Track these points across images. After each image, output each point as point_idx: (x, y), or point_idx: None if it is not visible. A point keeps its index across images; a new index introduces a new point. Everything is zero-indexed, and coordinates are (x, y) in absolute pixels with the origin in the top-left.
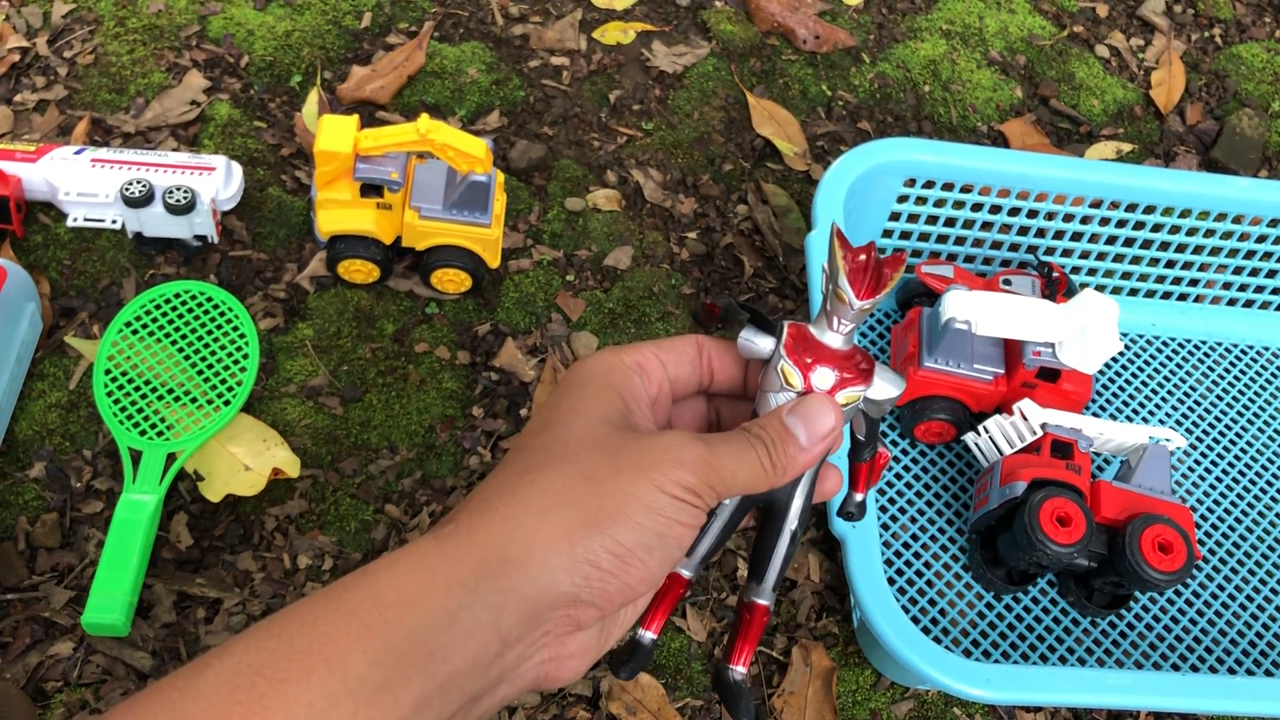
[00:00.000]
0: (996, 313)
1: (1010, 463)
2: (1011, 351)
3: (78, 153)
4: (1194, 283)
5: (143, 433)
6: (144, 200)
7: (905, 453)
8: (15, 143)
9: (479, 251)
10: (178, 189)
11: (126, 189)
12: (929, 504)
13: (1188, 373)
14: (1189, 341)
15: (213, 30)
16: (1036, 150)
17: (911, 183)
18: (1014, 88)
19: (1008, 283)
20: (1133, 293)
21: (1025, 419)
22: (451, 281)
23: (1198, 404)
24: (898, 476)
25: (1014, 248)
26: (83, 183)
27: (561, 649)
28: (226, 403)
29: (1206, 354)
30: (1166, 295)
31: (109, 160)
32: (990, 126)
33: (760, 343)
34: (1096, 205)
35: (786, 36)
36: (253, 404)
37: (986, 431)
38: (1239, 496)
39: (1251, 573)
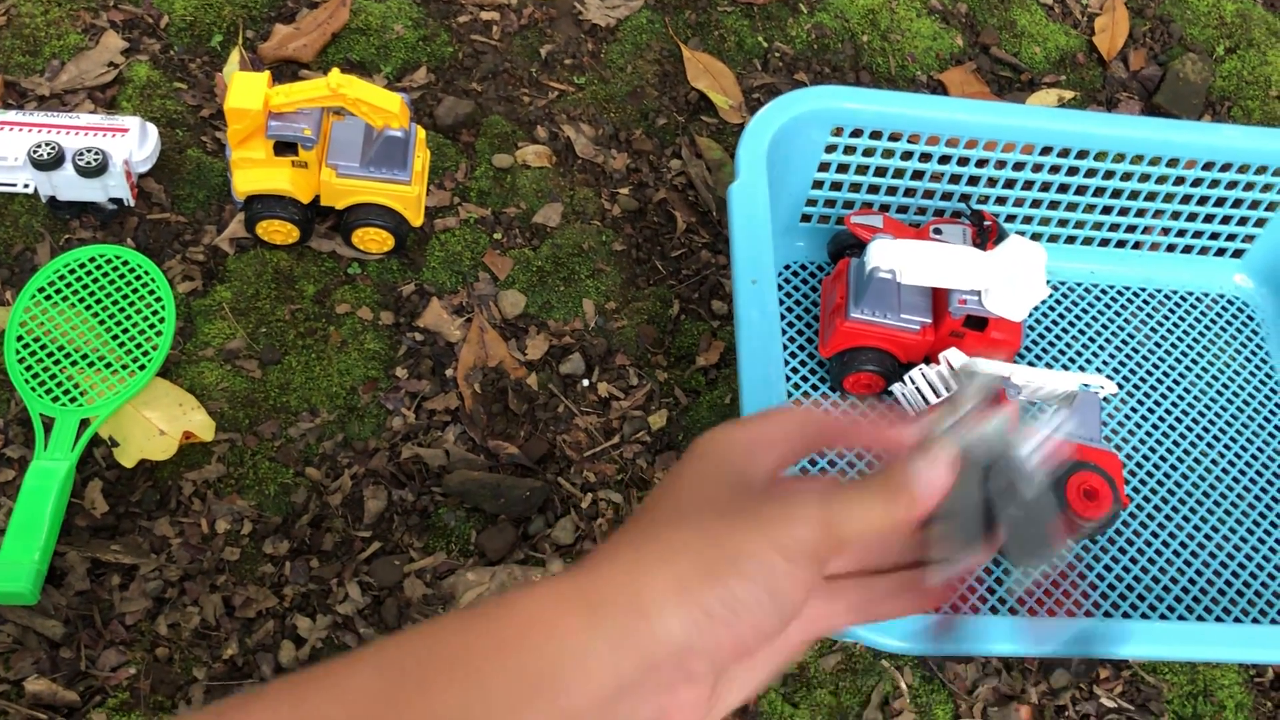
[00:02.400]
0: (921, 261)
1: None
2: (939, 301)
3: None
4: (1131, 229)
5: (55, 399)
6: (53, 163)
7: (835, 405)
8: None
9: (400, 210)
10: (88, 151)
11: (35, 151)
12: (859, 456)
13: (1125, 320)
14: (1127, 289)
15: None
16: (977, 98)
17: (839, 131)
18: (954, 36)
19: (938, 232)
20: (1070, 240)
21: (951, 368)
22: (374, 241)
23: (1135, 351)
24: None
25: (946, 197)
26: None
27: (672, 699)
28: (142, 367)
29: (1145, 301)
30: (1104, 243)
31: (17, 123)
32: (930, 76)
33: None
34: (1029, 151)
35: None
36: (169, 369)
37: (912, 382)
38: (1174, 443)
39: (1185, 519)
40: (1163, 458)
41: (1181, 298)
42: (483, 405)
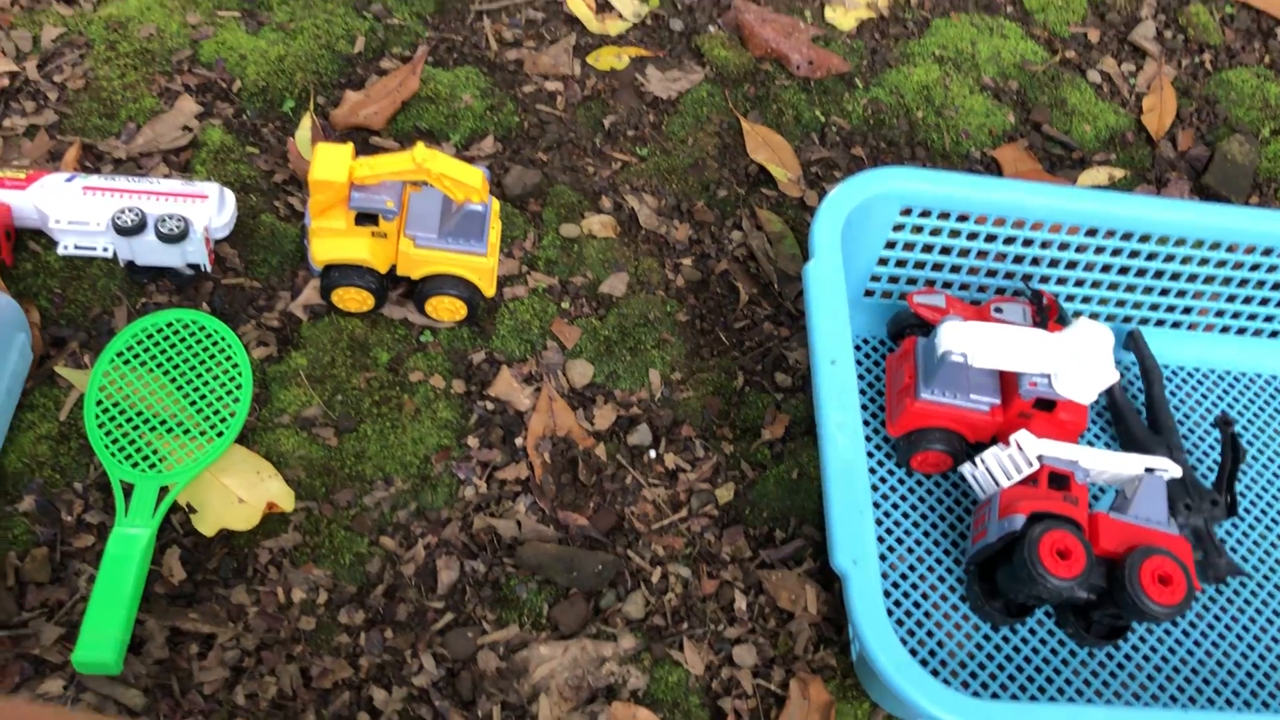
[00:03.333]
0: (992, 344)
1: (1008, 495)
2: (1007, 381)
3: (69, 180)
4: (1187, 310)
5: (135, 465)
6: (136, 229)
7: (902, 482)
8: (5, 169)
9: (475, 280)
10: (170, 217)
11: (118, 217)
12: (925, 534)
13: (1181, 400)
14: (1181, 369)
15: (205, 55)
16: (1029, 176)
17: (908, 211)
18: (1007, 113)
19: (999, 310)
20: (1126, 320)
21: (1021, 451)
22: (447, 310)
23: (1191, 431)
24: (894, 506)
25: (1007, 275)
26: (74, 210)
27: None
28: (220, 434)
29: (1200, 381)
30: (1160, 323)
31: (100, 188)
32: (983, 152)
33: None
34: (1091, 234)
35: (780, 62)
36: (246, 435)
37: (983, 463)
38: (1234, 524)
39: (1247, 603)
40: (1223, 539)
41: (1235, 378)
42: (552, 475)
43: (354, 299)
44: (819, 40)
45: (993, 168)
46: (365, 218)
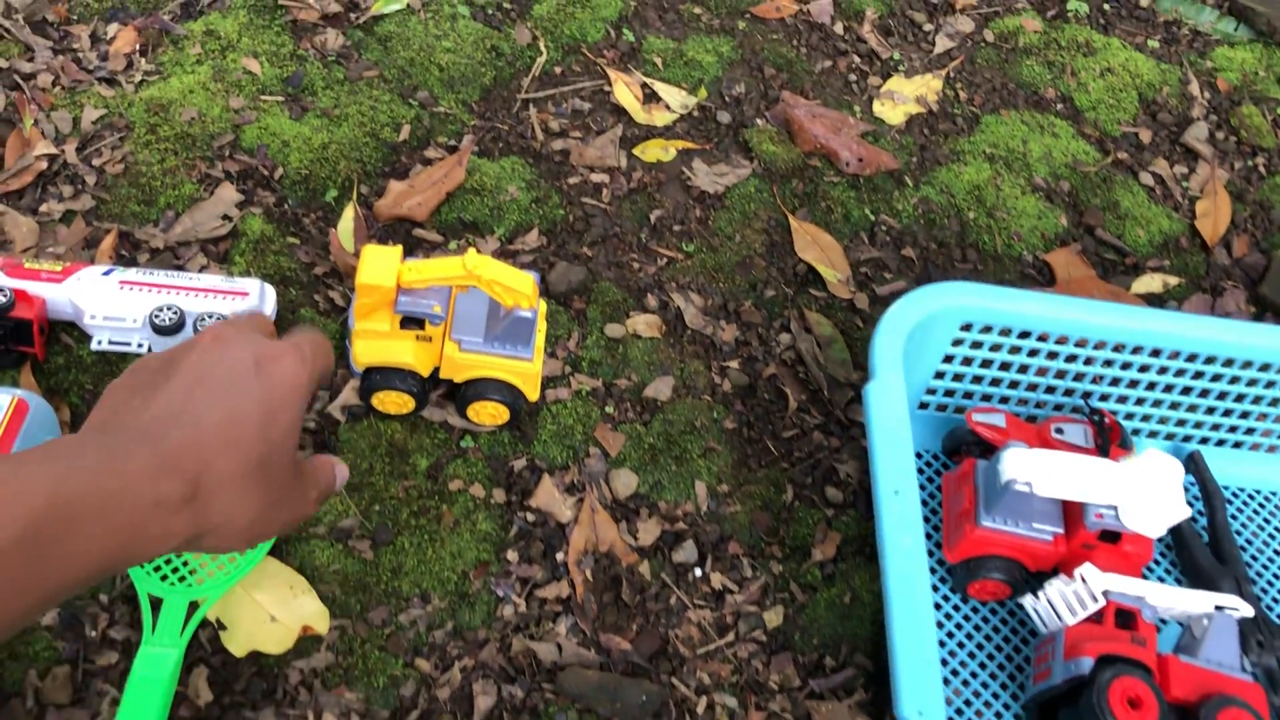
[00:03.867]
0: (1058, 474)
1: (1073, 634)
2: (1071, 510)
3: (106, 273)
4: (1249, 431)
5: (164, 577)
6: (175, 328)
7: (957, 609)
8: (43, 261)
9: (519, 385)
10: (210, 316)
11: (156, 316)
12: (982, 665)
13: (1244, 523)
14: (1243, 491)
15: (246, 140)
16: (1083, 283)
17: (967, 327)
18: (1059, 215)
19: (1060, 431)
20: (1185, 439)
21: (1087, 585)
22: (489, 415)
23: (1255, 558)
24: (949, 635)
25: (1066, 393)
26: (110, 306)
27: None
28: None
29: (1262, 504)
30: (1220, 443)
31: (138, 282)
32: (1035, 256)
33: None
34: (1155, 354)
35: (829, 158)
36: (280, 545)
37: (1046, 597)
38: None
39: None
40: None
41: None
42: (594, 594)
43: (395, 402)
44: (868, 136)
45: (1045, 272)
46: (411, 321)
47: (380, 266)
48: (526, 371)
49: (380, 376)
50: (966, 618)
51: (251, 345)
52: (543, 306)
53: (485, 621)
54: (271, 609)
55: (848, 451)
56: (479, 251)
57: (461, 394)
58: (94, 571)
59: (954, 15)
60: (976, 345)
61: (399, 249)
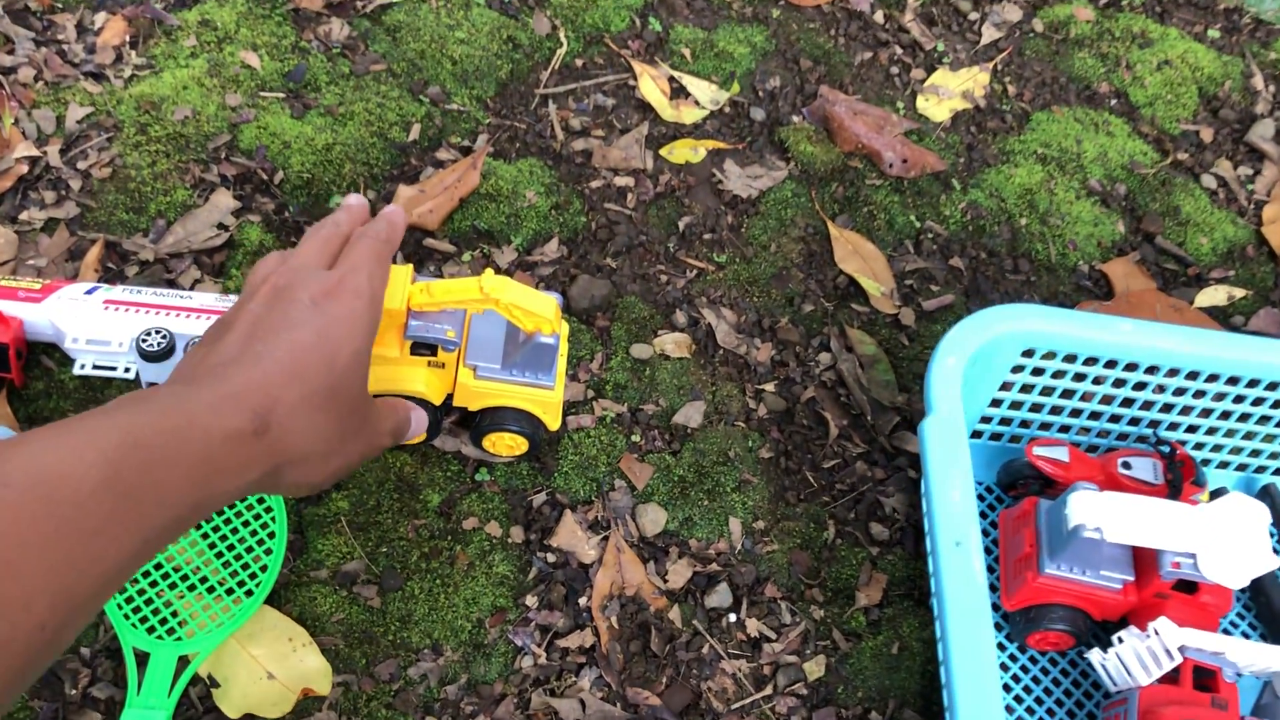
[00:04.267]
0: (1131, 519)
1: (1149, 697)
2: (1143, 558)
3: (89, 292)
4: None
5: (151, 629)
6: (164, 354)
7: (1014, 658)
8: (20, 280)
9: (539, 415)
10: None
11: (144, 340)
12: None
13: None
14: None
15: (244, 141)
16: (1143, 296)
17: (1030, 353)
18: (1116, 221)
19: (1127, 466)
20: (1259, 471)
21: (1161, 641)
22: (506, 446)
23: None
24: (1006, 688)
25: (1132, 422)
26: (94, 328)
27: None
28: (249, 593)
29: None
30: None
31: (124, 302)
32: (1091, 266)
33: None
34: (1233, 382)
35: (871, 159)
36: (279, 592)
37: (1117, 654)
38: None
39: None
40: None
41: None
42: (620, 643)
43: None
44: (912, 135)
45: (1101, 284)
46: (422, 347)
47: (389, 288)
48: (547, 400)
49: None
50: (1024, 669)
51: (307, 285)
52: (565, 328)
53: (502, 674)
54: (269, 665)
55: (894, 483)
56: (495, 264)
57: (477, 423)
58: (186, 509)
59: (1001, 3)
60: (1038, 372)
61: (409, 268)
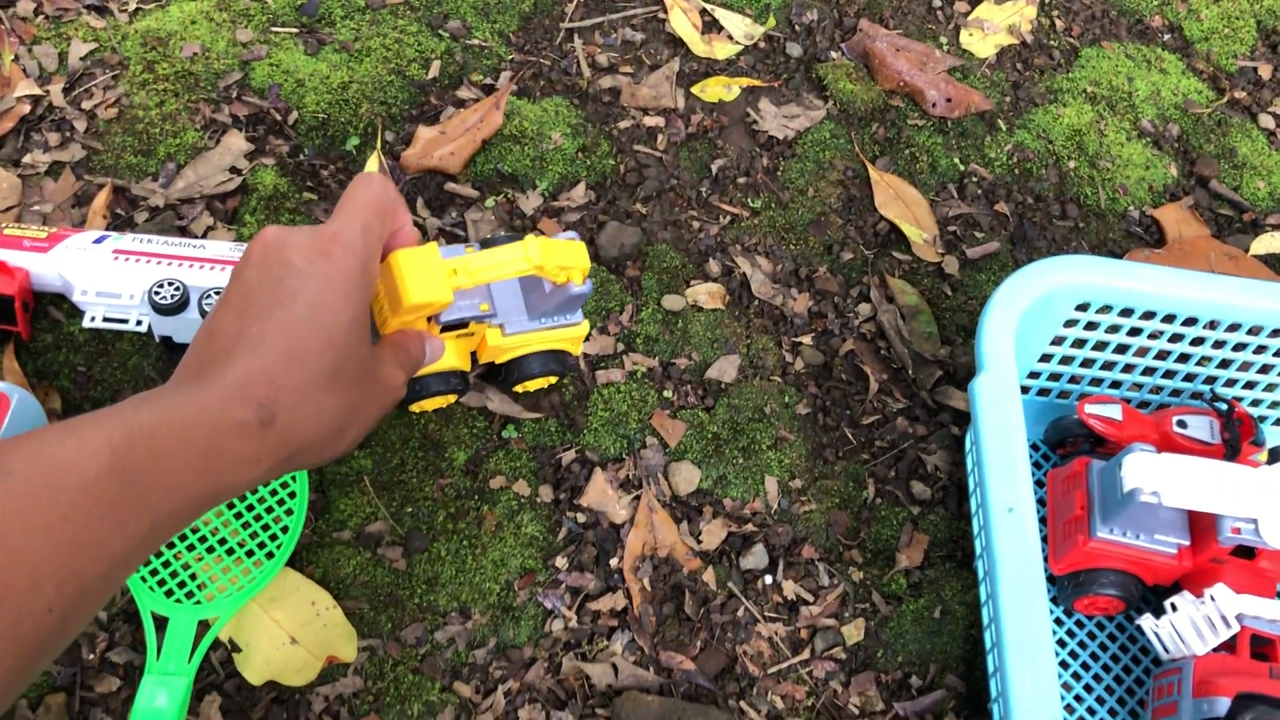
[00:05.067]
0: (1190, 482)
1: (1204, 667)
2: (1200, 521)
3: (97, 241)
4: None
5: (169, 593)
6: (178, 307)
7: (1060, 622)
8: (26, 228)
9: (567, 348)
10: (217, 292)
11: (156, 293)
12: (1088, 688)
13: None
14: None
15: (256, 79)
16: (1196, 244)
17: (1083, 307)
18: (1168, 164)
19: (1182, 425)
20: None
21: (1218, 608)
22: (538, 384)
23: None
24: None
25: (1188, 378)
26: (103, 280)
27: None
28: (270, 555)
29: None
30: None
31: (135, 252)
32: (1142, 212)
33: None
34: (1276, 335)
35: (913, 98)
36: (301, 554)
37: (1170, 621)
38: None
39: None
40: None
41: None
42: (652, 606)
43: (436, 403)
44: (955, 72)
45: (1153, 230)
46: (453, 325)
47: (429, 280)
48: (577, 335)
49: (419, 386)
50: (1071, 633)
51: (296, 242)
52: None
53: (532, 638)
54: (292, 630)
55: (936, 440)
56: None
57: (506, 374)
58: (194, 498)
59: None
60: (1091, 326)
61: (433, 246)
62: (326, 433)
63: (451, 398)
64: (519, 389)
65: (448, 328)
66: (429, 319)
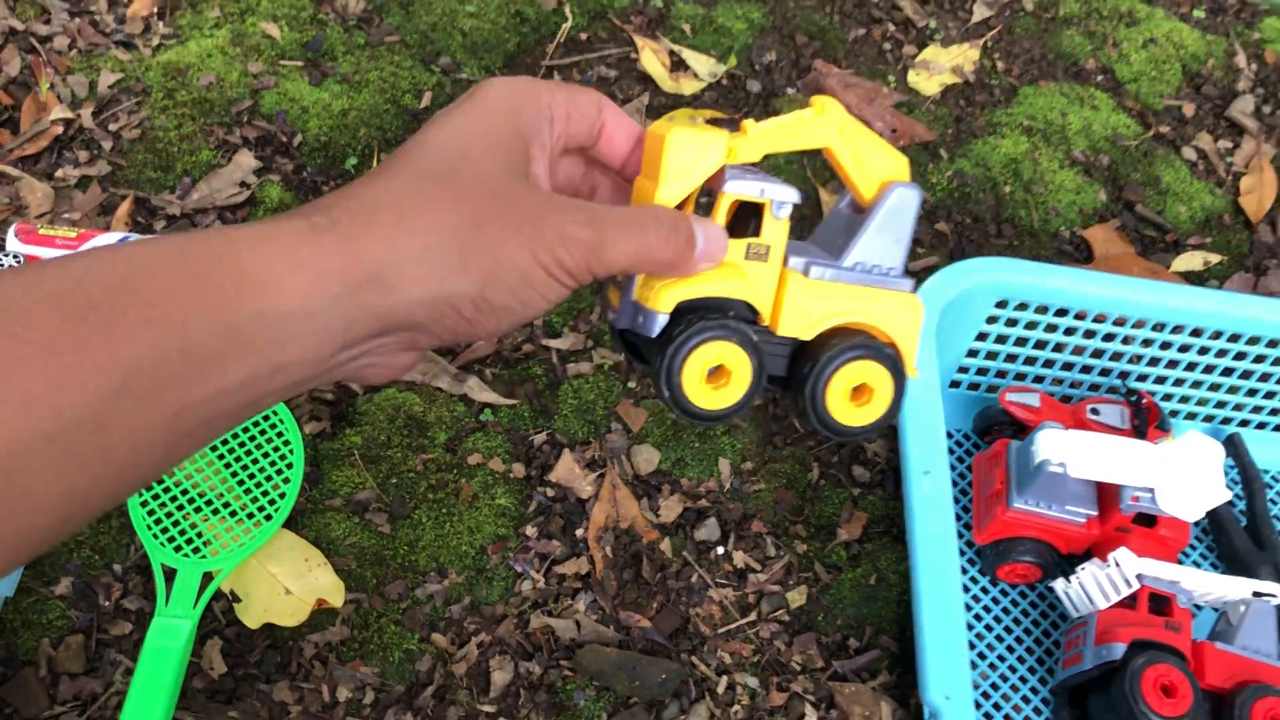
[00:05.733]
0: (1094, 455)
1: (1106, 619)
2: (1106, 493)
3: (121, 240)
4: None
5: (178, 548)
6: None
7: (986, 590)
8: (57, 229)
9: (899, 340)
10: None
11: None
12: (1010, 649)
13: None
14: None
15: (265, 106)
16: (1121, 260)
17: (1003, 304)
18: (1098, 190)
19: (1095, 412)
20: (1225, 422)
21: (1120, 569)
22: (864, 394)
23: None
24: (977, 618)
25: (1103, 372)
26: None
27: (388, 360)
28: (268, 517)
29: None
30: (1261, 426)
31: None
32: (1073, 232)
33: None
34: (1196, 334)
35: None
36: (296, 518)
37: (1078, 581)
38: None
39: None
40: None
41: None
42: (614, 571)
43: (707, 359)
44: (902, 106)
45: (1082, 249)
46: (743, 213)
47: (699, 130)
48: (907, 309)
49: (685, 318)
50: (995, 600)
51: None
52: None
53: (503, 597)
54: (286, 582)
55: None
56: None
57: (801, 370)
58: (207, 338)
59: None
60: (1011, 323)
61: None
62: (429, 252)
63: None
64: (831, 401)
65: (736, 224)
66: (702, 200)
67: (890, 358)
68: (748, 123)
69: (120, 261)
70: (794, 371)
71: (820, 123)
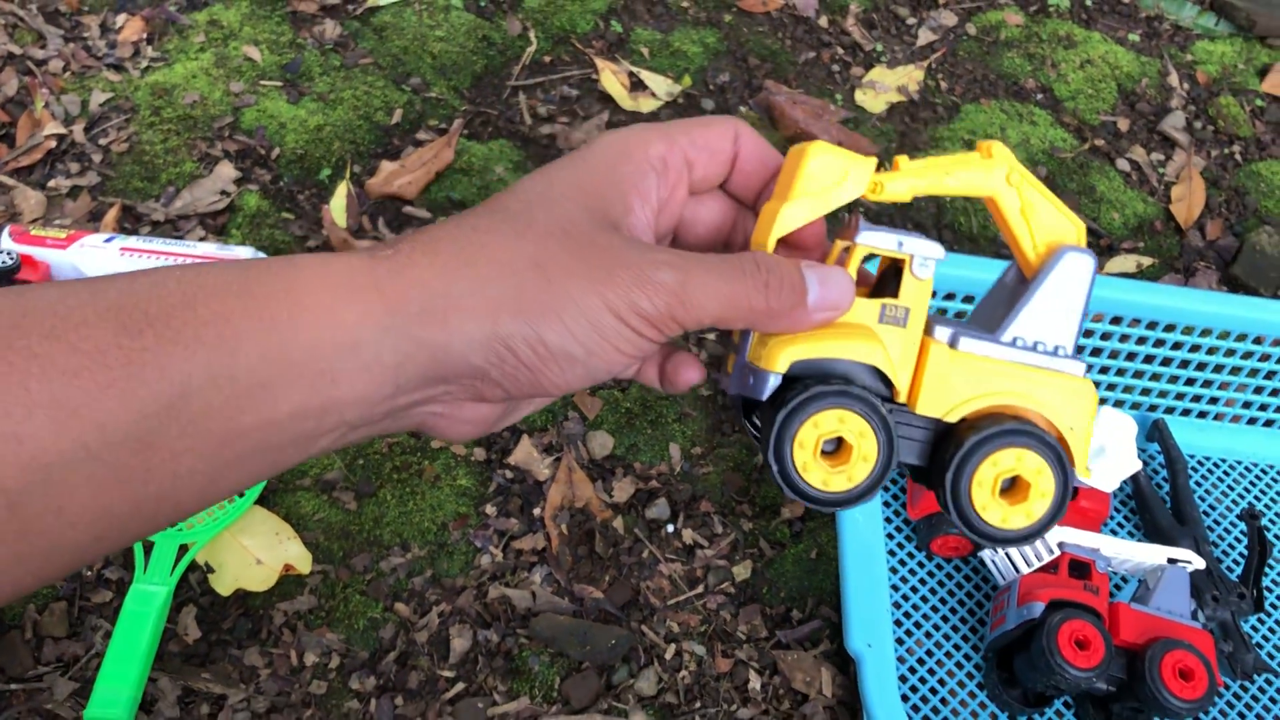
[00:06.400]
0: None
1: (1027, 582)
2: None
3: (108, 240)
4: (1213, 400)
5: None
6: None
7: (921, 565)
8: (47, 229)
9: (1066, 433)
10: None
11: None
12: (944, 619)
13: (1207, 491)
14: (1208, 459)
15: (245, 122)
16: None
17: (932, 294)
18: None
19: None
20: (1151, 409)
21: (1042, 537)
22: (1025, 498)
23: (1217, 523)
24: (913, 590)
25: None
26: (111, 271)
27: (458, 411)
28: (240, 494)
29: (1226, 473)
30: (1185, 413)
31: (138, 249)
32: None
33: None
34: (1116, 322)
35: None
36: (267, 495)
37: (1004, 550)
38: (1259, 620)
39: (1274, 700)
40: (1248, 634)
41: (1262, 470)
42: (569, 547)
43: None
44: (849, 123)
45: None
46: (882, 277)
47: (842, 155)
48: (1079, 395)
49: (802, 381)
50: (930, 574)
51: None
52: None
53: (463, 570)
54: (258, 553)
55: None
56: None
57: (941, 456)
58: (253, 353)
59: (937, 9)
60: (941, 313)
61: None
62: (484, 286)
63: (869, 448)
64: (976, 497)
65: (877, 288)
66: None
67: (1053, 448)
68: (901, 158)
69: (187, 280)
70: (934, 459)
71: (985, 165)
